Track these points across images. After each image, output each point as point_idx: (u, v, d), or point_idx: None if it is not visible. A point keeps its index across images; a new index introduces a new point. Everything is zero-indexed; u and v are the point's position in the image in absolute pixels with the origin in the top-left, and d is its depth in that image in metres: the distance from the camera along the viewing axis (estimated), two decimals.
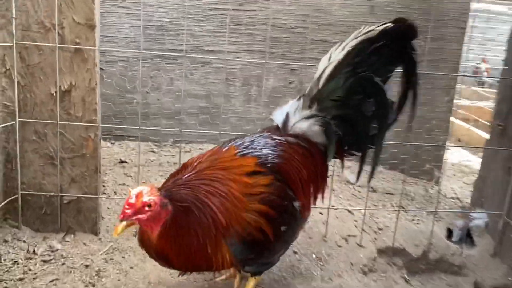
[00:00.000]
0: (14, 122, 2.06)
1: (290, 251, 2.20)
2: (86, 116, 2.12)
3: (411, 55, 1.70)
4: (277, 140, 1.67)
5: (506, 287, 2.29)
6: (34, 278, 1.84)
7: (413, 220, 2.73)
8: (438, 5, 3.17)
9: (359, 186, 3.04)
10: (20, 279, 1.82)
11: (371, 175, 1.85)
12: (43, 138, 2.12)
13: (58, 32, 2.02)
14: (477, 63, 8.77)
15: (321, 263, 2.18)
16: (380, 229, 2.53)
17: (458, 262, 2.44)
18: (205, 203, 1.35)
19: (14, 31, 1.98)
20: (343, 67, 1.69)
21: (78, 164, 2.15)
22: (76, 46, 2.04)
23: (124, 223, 1.24)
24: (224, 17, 3.10)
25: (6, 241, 2.05)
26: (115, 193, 2.50)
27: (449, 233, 2.69)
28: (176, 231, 1.33)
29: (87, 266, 1.93)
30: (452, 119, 3.45)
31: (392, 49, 1.69)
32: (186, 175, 1.42)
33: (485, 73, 8.45)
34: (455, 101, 3.48)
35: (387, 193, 3.05)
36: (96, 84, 2.10)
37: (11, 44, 1.99)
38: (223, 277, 1.94)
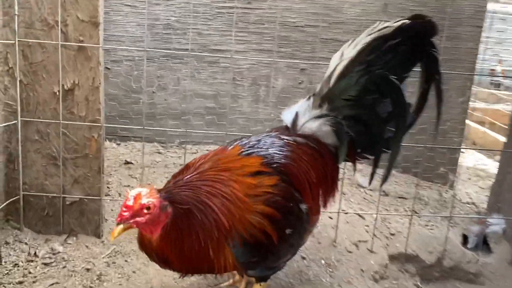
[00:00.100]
0: (16, 121, 2.02)
1: (298, 257, 2.12)
2: (90, 116, 2.07)
3: (431, 53, 1.61)
4: (285, 140, 1.60)
5: None
6: (34, 282, 1.79)
7: (427, 225, 2.64)
8: (453, 3, 3.07)
9: (370, 189, 2.95)
10: (20, 282, 1.77)
11: (385, 180, 1.77)
12: (45, 138, 2.07)
13: (61, 30, 1.98)
14: (493, 65, 8.58)
15: (330, 269, 2.10)
16: (392, 234, 2.46)
17: (474, 270, 2.38)
18: (206, 204, 1.29)
19: (16, 28, 1.93)
20: (355, 64, 1.61)
21: (81, 165, 2.10)
22: (80, 44, 2.00)
23: (121, 226, 1.18)
24: (232, 16, 3.04)
25: (7, 243, 2.00)
26: (120, 194, 2.45)
27: (465, 239, 2.62)
28: (177, 234, 1.26)
29: (88, 269, 1.88)
30: (467, 121, 3.32)
31: (409, 46, 1.60)
32: (188, 176, 1.36)
33: (501, 75, 8.25)
34: (470, 103, 3.37)
35: (399, 197, 2.96)
36: (100, 83, 2.05)
37: (14, 41, 1.95)
38: (228, 283, 1.87)
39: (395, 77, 1.62)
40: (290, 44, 3.16)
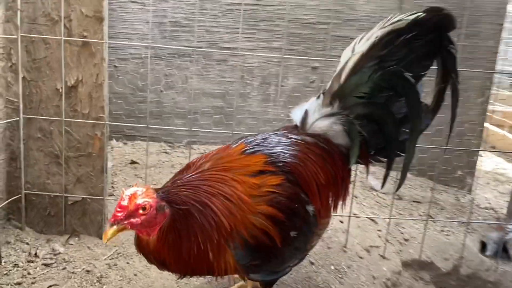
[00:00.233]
0: (18, 118, 1.98)
1: (307, 262, 2.03)
2: (93, 113, 2.02)
3: (448, 49, 1.51)
4: (293, 139, 1.52)
5: None
6: (32, 283, 1.74)
7: (443, 231, 2.54)
8: None
9: (383, 193, 2.85)
10: (18, 283, 1.72)
11: (400, 185, 1.67)
12: (48, 136, 2.03)
13: (65, 25, 1.94)
14: None
15: (340, 276, 2.01)
16: (406, 240, 2.38)
17: (492, 279, 2.29)
18: (206, 205, 1.21)
19: (19, 23, 1.89)
20: (367, 60, 1.52)
21: (84, 164, 2.05)
22: (84, 39, 1.95)
23: (115, 227, 1.11)
24: (242, 13, 2.97)
25: (8, 243, 1.96)
26: None
27: (483, 246, 2.52)
28: (175, 236, 1.19)
29: (88, 271, 1.82)
30: (486, 124, 3.18)
31: (425, 41, 1.50)
32: (187, 175, 1.28)
33: None
34: (489, 106, 3.23)
35: (414, 201, 2.85)
36: (103, 80, 2.00)
37: (16, 36, 1.91)
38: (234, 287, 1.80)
39: (411, 74, 1.52)
40: (301, 41, 3.08)
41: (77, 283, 1.75)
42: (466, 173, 3.17)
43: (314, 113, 1.61)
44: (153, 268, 1.87)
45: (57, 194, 2.05)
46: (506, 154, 4.44)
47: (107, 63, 2.03)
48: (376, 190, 2.88)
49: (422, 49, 1.52)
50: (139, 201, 1.12)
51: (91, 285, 1.75)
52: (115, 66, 3.03)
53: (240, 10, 2.98)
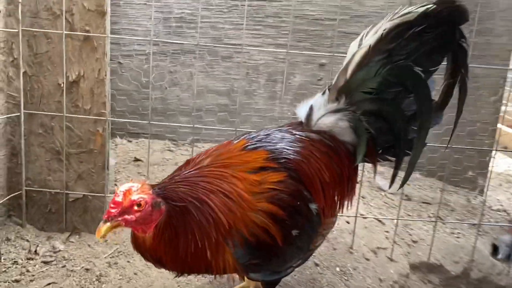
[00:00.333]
0: (19, 113, 1.95)
1: (311, 263, 1.98)
2: (95, 109, 1.99)
3: (459, 43, 1.45)
4: (297, 136, 1.47)
5: None
6: (31, 280, 1.71)
7: (453, 233, 2.46)
8: None
9: (391, 193, 2.78)
10: (16, 281, 1.70)
11: (405, 181, 1.61)
12: (49, 132, 2.01)
13: (67, 19, 1.91)
14: None
15: (346, 278, 1.95)
16: (414, 242, 2.32)
17: (504, 283, 2.22)
18: (204, 202, 1.17)
19: (20, 17, 1.87)
20: (375, 54, 1.46)
21: (85, 160, 2.02)
22: (86, 34, 1.92)
23: (109, 224, 1.07)
24: (248, 8, 2.92)
25: (8, 239, 1.94)
26: None
27: (495, 249, 2.43)
28: (171, 234, 1.15)
29: (87, 270, 1.79)
30: (498, 125, 3.09)
31: (436, 35, 1.44)
32: (186, 172, 1.24)
33: None
34: (502, 106, 3.13)
35: (423, 202, 2.78)
36: (105, 75, 1.97)
37: (17, 30, 1.88)
38: None
39: (420, 69, 1.46)
40: (309, 38, 3.02)
41: (75, 282, 1.71)
42: (478, 174, 3.08)
43: (320, 109, 1.56)
44: (154, 267, 1.83)
45: (58, 191, 2.02)
46: None
47: (109, 58, 2.00)
48: (384, 191, 2.81)
49: (433, 43, 1.46)
50: (134, 197, 1.08)
51: (90, 284, 1.71)
52: (119, 63, 3.00)
53: (245, 5, 2.93)
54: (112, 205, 1.08)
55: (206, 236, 1.16)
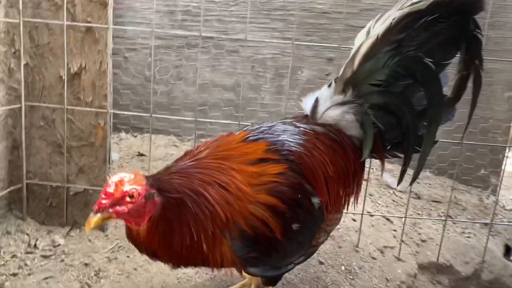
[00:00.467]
0: (20, 105, 1.93)
1: (315, 261, 1.92)
2: (96, 102, 1.96)
3: (473, 34, 1.38)
4: (301, 128, 1.42)
5: None
6: (28, 274, 1.69)
7: (463, 232, 2.39)
8: None
9: (400, 191, 2.70)
10: (14, 274, 1.67)
11: (414, 178, 1.55)
12: (51, 125, 1.98)
13: (69, 10, 1.88)
14: None
15: (351, 277, 1.90)
16: (423, 241, 2.25)
17: None
18: (201, 194, 1.12)
19: (21, 7, 1.84)
20: (383, 44, 1.40)
21: (87, 154, 1.99)
22: (87, 25, 1.89)
23: (99, 215, 1.03)
24: (254, 1, 2.86)
25: (9, 233, 1.92)
26: None
27: (507, 250, 2.38)
28: (166, 227, 1.11)
29: (86, 264, 1.76)
30: None
31: (449, 25, 1.37)
32: (182, 163, 1.19)
33: None
34: None
35: (433, 201, 2.70)
36: (107, 67, 1.93)
37: (18, 21, 1.86)
38: (236, 286, 1.70)
39: (431, 60, 1.39)
40: (317, 32, 2.95)
41: (73, 276, 1.68)
42: (490, 173, 2.99)
43: (325, 102, 1.51)
44: (154, 263, 1.80)
45: (59, 184, 1.99)
46: None
47: (111, 50, 1.97)
48: (392, 188, 2.74)
49: (445, 34, 1.40)
50: (126, 188, 1.04)
51: (88, 279, 1.68)
52: (125, 57, 2.97)
53: None
54: (103, 196, 1.04)
55: (202, 229, 1.11)
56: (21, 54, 1.90)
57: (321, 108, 1.49)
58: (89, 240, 1.94)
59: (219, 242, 1.13)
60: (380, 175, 2.78)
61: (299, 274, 1.85)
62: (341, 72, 1.49)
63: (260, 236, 1.17)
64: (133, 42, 2.97)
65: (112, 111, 1.98)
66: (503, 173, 2.31)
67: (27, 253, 1.82)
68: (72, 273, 1.70)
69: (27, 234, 1.93)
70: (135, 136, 3.05)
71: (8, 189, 1.97)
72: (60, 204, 2.01)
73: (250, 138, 1.31)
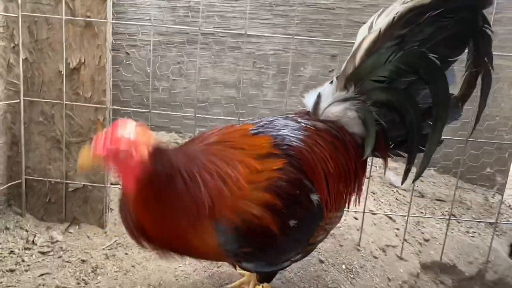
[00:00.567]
0: (18, 101, 1.91)
1: (315, 259, 1.90)
2: (95, 97, 1.94)
3: (482, 29, 1.34)
4: (302, 124, 1.39)
5: None
6: (25, 270, 1.68)
7: (468, 232, 2.35)
8: None
9: (404, 190, 2.67)
10: (11, 270, 1.66)
11: (418, 176, 1.51)
12: (50, 120, 1.96)
13: (68, 5, 1.86)
14: None
15: (352, 276, 1.87)
16: (426, 240, 2.21)
17: None
18: (195, 178, 1.10)
19: (20, 2, 1.83)
20: (386, 39, 1.37)
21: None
22: (86, 19, 1.87)
23: (91, 152, 1.04)
24: None
25: (7, 229, 1.92)
26: None
27: None
28: (149, 194, 1.08)
29: (84, 261, 1.74)
30: None
31: (455, 20, 1.33)
32: (189, 146, 1.18)
33: None
34: None
35: (437, 200, 2.66)
36: (106, 62, 1.91)
37: (17, 15, 1.84)
38: (235, 284, 1.68)
39: (436, 56, 1.35)
40: (320, 28, 2.92)
41: (70, 273, 1.67)
42: (496, 171, 2.94)
43: (327, 98, 1.48)
44: (152, 260, 1.79)
45: (58, 180, 1.98)
46: None
47: (110, 45, 1.95)
48: (396, 187, 2.70)
49: (451, 29, 1.36)
50: (130, 139, 1.04)
51: (85, 275, 1.67)
52: (127, 53, 2.96)
53: None
54: (105, 137, 1.05)
55: (185, 210, 1.09)
56: (20, 49, 1.88)
57: (323, 105, 1.46)
58: (88, 237, 1.93)
59: (201, 230, 1.11)
60: (383, 173, 2.74)
61: (298, 272, 1.82)
62: (343, 67, 1.46)
63: (254, 231, 1.14)
64: (135, 38, 2.95)
65: (111, 106, 1.96)
66: (509, 172, 2.27)
67: (25, 249, 1.81)
68: (69, 269, 1.69)
69: (26, 230, 1.92)
70: None
71: (7, 185, 1.96)
72: (59, 200, 2.00)
73: (252, 131, 1.29)
